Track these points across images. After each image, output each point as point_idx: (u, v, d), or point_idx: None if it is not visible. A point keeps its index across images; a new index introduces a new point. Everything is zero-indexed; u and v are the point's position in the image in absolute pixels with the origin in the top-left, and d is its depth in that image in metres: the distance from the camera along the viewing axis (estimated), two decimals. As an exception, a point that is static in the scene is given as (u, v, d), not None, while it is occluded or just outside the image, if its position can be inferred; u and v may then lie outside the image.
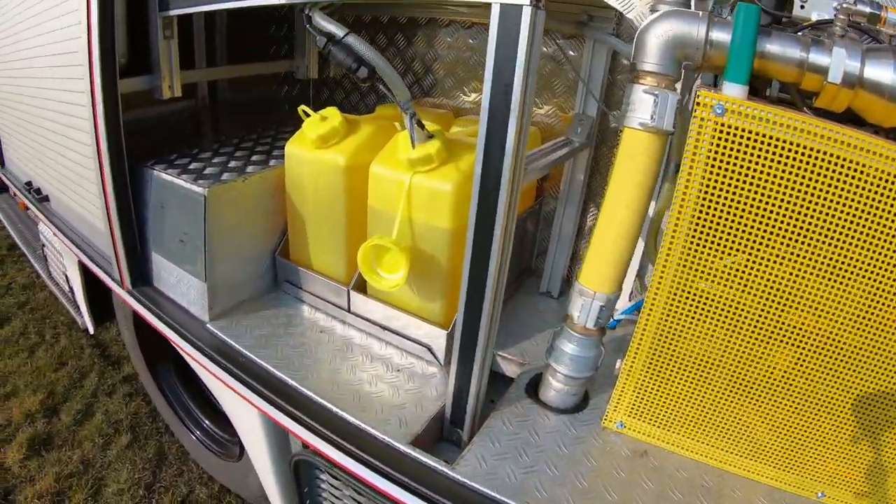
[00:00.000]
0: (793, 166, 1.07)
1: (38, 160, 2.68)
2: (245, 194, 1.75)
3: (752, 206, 1.12)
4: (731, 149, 1.10)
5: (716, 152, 1.11)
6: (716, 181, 1.13)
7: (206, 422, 2.51)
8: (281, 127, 2.31)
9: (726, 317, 1.23)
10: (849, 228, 1.09)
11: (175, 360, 2.55)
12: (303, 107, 1.66)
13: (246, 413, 1.72)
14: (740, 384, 1.28)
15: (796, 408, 1.26)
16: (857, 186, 1.06)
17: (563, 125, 1.99)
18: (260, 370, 1.60)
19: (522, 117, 1.10)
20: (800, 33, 1.13)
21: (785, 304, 1.18)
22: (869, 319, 1.14)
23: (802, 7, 1.22)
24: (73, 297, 2.88)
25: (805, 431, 1.28)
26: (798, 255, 1.13)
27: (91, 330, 2.82)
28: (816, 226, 1.10)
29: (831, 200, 1.08)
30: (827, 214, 1.09)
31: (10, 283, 3.90)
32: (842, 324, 1.16)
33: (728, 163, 1.11)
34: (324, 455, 1.45)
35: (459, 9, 2.01)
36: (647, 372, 1.36)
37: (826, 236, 1.10)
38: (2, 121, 3.25)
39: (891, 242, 1.07)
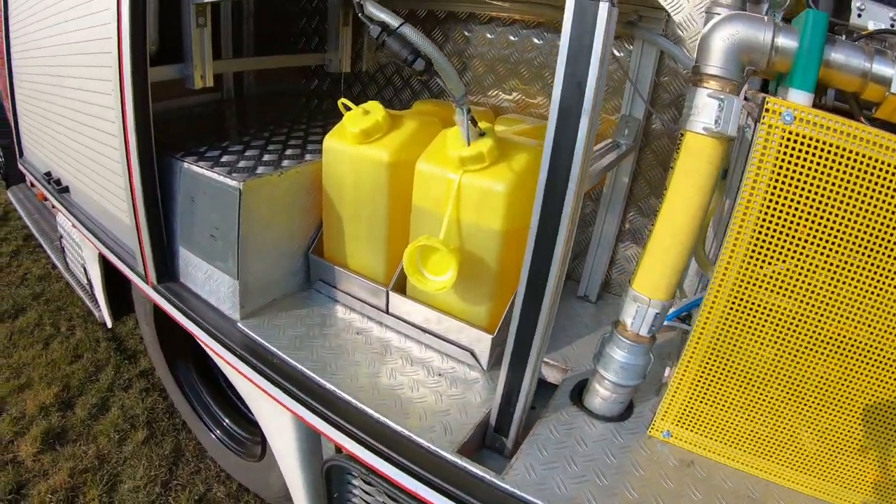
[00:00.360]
0: (861, 177, 1.05)
1: (60, 150, 2.64)
2: (281, 189, 1.70)
3: (816, 216, 1.09)
4: (799, 157, 1.07)
5: (783, 160, 1.09)
6: (781, 190, 1.10)
7: (227, 420, 2.46)
8: (311, 121, 2.26)
9: (783, 326, 1.20)
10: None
11: (195, 358, 2.51)
12: (343, 100, 1.61)
13: (276, 415, 1.68)
14: (790, 394, 1.25)
15: (844, 419, 1.23)
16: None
17: (604, 127, 1.94)
18: (295, 372, 1.55)
19: (593, 116, 1.05)
20: (857, 42, 1.11)
21: (842, 315, 1.15)
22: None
23: (859, 15, 1.20)
24: (91, 290, 2.84)
25: (852, 442, 1.25)
26: (859, 267, 1.10)
27: (109, 324, 2.78)
28: (882, 238, 1.07)
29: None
30: (893, 226, 1.06)
31: (25, 273, 3.87)
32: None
33: (795, 171, 1.08)
34: (362, 462, 1.41)
35: (503, 4, 1.95)
36: (698, 381, 1.33)
37: (891, 248, 1.07)
38: (20, 111, 3.21)
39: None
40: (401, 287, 1.69)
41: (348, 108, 1.62)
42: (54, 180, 2.76)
